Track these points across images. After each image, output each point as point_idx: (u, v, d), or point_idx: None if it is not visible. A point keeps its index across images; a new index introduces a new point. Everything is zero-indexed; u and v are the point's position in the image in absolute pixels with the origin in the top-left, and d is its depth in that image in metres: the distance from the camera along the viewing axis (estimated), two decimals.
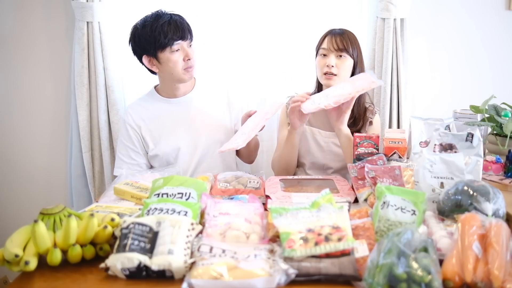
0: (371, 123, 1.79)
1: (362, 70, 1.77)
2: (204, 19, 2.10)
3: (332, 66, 1.69)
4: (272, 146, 2.25)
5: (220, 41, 2.22)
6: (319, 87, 1.81)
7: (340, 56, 1.70)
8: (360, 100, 1.77)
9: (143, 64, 1.77)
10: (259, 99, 2.30)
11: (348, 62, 1.71)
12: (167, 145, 1.79)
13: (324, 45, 1.73)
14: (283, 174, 1.76)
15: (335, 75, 1.69)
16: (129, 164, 1.81)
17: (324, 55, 1.73)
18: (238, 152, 1.92)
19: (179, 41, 1.68)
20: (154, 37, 1.66)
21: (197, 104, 1.83)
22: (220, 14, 2.21)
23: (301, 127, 1.68)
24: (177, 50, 1.69)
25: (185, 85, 1.81)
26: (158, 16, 1.69)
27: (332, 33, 1.74)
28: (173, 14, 1.72)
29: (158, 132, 1.80)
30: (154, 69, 1.75)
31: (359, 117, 1.78)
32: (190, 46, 1.73)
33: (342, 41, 1.70)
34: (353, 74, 1.74)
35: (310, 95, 1.63)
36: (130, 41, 1.75)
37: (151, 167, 1.85)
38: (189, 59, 1.71)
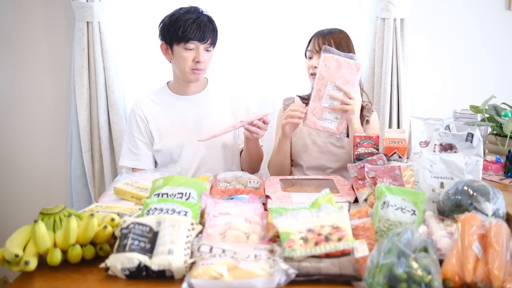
0: (367, 121, 1.78)
1: None
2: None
3: (315, 67, 1.70)
4: (272, 146, 2.25)
5: (225, 42, 2.22)
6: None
7: None
8: None
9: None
10: (259, 98, 2.30)
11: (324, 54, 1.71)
12: (171, 141, 1.80)
13: (309, 47, 1.77)
14: (278, 175, 1.76)
15: None
16: (137, 155, 1.81)
17: (310, 57, 1.76)
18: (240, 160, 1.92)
19: (195, 41, 1.68)
20: (174, 29, 1.67)
21: (206, 105, 1.84)
22: (223, 15, 2.20)
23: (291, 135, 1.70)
24: (191, 49, 1.69)
25: (195, 84, 1.82)
26: (188, 11, 1.70)
27: (316, 35, 1.76)
28: (204, 14, 1.72)
29: (164, 127, 1.81)
30: (167, 58, 1.77)
31: None
32: (208, 50, 1.73)
33: (324, 41, 1.72)
34: None
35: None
36: (159, 24, 1.76)
37: (156, 162, 1.86)
38: (197, 62, 1.71)
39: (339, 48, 1.71)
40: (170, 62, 1.79)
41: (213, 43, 1.74)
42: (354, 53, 1.76)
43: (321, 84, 1.56)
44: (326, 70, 1.55)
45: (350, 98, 1.55)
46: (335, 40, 1.72)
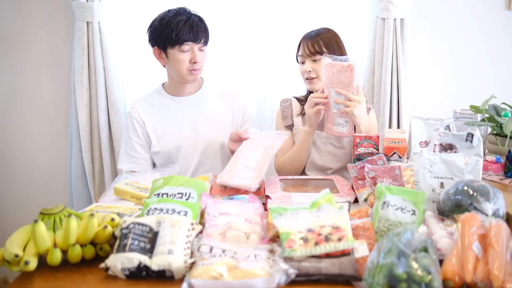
0: None
1: None
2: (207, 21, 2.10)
3: (310, 71, 1.72)
4: None
5: (224, 42, 2.22)
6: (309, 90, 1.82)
7: (315, 60, 1.71)
8: None
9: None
10: (259, 100, 2.30)
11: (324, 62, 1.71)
12: (169, 142, 1.80)
13: (300, 52, 1.77)
14: (292, 173, 1.75)
15: (316, 77, 1.72)
16: (135, 158, 1.81)
17: (302, 62, 1.76)
18: None
19: (190, 43, 1.68)
20: (167, 32, 1.66)
21: (202, 105, 1.84)
22: (223, 16, 2.21)
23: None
24: (186, 51, 1.69)
25: (191, 85, 1.82)
26: (178, 13, 1.69)
27: (305, 39, 1.76)
28: (194, 14, 1.72)
29: (161, 129, 1.81)
30: (161, 62, 1.76)
31: None
32: (202, 50, 1.73)
33: (314, 44, 1.71)
34: None
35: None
36: (147, 29, 1.75)
37: (154, 163, 1.86)
38: (195, 62, 1.71)
39: (329, 47, 1.71)
40: (164, 66, 1.79)
41: (206, 42, 1.74)
42: (345, 50, 1.76)
43: (327, 92, 1.60)
44: (327, 78, 1.58)
45: (350, 100, 1.55)
46: (323, 40, 1.72)
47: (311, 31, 1.77)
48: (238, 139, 1.60)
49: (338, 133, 1.62)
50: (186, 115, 1.82)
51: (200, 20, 1.72)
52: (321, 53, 1.70)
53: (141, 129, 1.81)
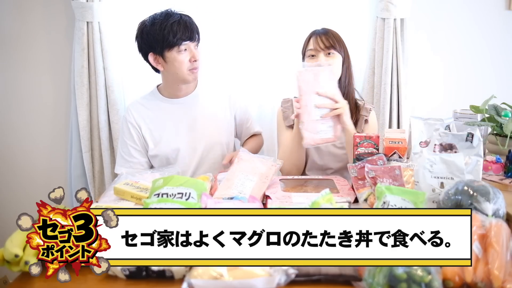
0: (366, 121, 1.77)
1: (349, 67, 1.77)
2: (205, 21, 2.10)
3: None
4: (272, 146, 2.25)
5: (222, 43, 2.22)
6: None
7: (329, 53, 1.70)
8: (347, 97, 1.74)
9: (148, 61, 1.76)
10: (258, 101, 2.29)
11: (338, 58, 1.71)
12: (167, 145, 1.79)
13: (311, 46, 1.74)
14: (294, 170, 1.74)
15: None
16: (130, 162, 1.80)
17: (313, 55, 1.73)
18: None
19: (187, 42, 1.68)
20: (163, 36, 1.65)
21: (199, 105, 1.83)
22: (221, 16, 2.21)
23: None
24: (184, 50, 1.69)
25: (187, 86, 1.81)
26: (168, 15, 1.68)
27: (316, 33, 1.75)
28: (183, 14, 1.72)
29: (158, 132, 1.80)
30: (159, 67, 1.75)
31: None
32: (197, 47, 1.73)
33: (328, 39, 1.71)
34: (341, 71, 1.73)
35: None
36: (136, 37, 1.74)
37: (152, 166, 1.85)
38: (195, 60, 1.71)
39: (339, 43, 1.72)
40: (158, 72, 1.78)
41: (199, 40, 1.75)
42: (347, 50, 1.77)
43: (305, 99, 1.53)
44: (304, 84, 1.53)
45: (337, 102, 1.54)
46: (335, 37, 1.73)
47: (319, 28, 1.77)
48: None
49: (322, 140, 1.54)
50: (182, 116, 1.81)
51: (190, 18, 1.72)
52: (335, 47, 1.70)
53: (136, 133, 1.80)
